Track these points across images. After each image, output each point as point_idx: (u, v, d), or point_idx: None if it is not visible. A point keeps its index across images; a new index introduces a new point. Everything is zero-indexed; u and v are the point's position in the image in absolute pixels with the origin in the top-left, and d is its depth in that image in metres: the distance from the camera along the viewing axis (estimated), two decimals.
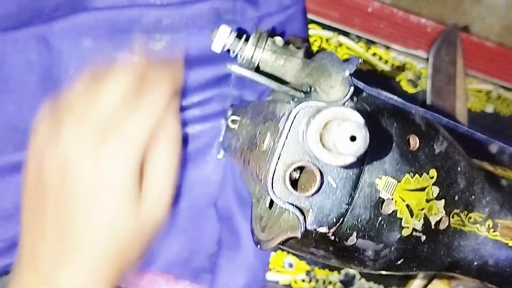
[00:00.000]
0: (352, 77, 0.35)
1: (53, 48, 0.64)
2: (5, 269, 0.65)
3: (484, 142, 0.71)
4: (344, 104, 0.34)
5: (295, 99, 0.37)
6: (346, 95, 0.34)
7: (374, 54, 0.70)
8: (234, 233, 0.67)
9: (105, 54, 0.64)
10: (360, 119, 0.30)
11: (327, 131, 0.30)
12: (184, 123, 0.67)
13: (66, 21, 0.63)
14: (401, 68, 0.71)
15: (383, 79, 0.70)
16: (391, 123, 0.37)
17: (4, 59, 0.62)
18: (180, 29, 0.65)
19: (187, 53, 0.66)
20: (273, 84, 0.37)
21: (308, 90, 0.36)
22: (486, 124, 0.73)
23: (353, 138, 0.28)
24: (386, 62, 0.70)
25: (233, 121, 0.52)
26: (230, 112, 0.60)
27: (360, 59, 0.35)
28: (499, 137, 0.74)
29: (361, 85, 0.36)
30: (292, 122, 0.34)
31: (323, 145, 0.30)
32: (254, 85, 0.60)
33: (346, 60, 0.37)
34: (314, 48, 0.68)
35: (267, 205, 0.43)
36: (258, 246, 0.41)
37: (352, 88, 0.34)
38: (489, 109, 0.73)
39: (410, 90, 0.71)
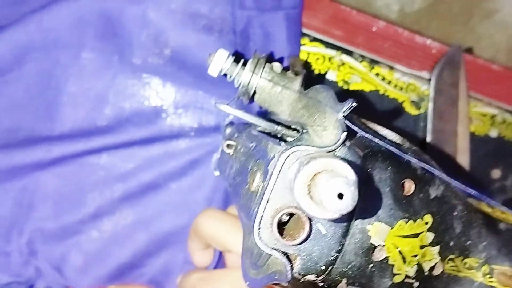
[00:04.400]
0: (346, 120, 0.34)
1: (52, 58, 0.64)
2: None
3: (486, 166, 0.70)
4: (335, 150, 0.33)
5: (287, 139, 0.36)
6: (338, 140, 0.32)
7: (377, 74, 0.69)
8: None
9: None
10: (350, 175, 0.28)
11: (315, 184, 0.28)
12: (181, 136, 0.66)
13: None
14: (405, 90, 0.69)
15: (386, 101, 0.69)
16: (386, 167, 0.35)
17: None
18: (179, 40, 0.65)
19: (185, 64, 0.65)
20: (263, 124, 0.35)
21: (301, 130, 0.35)
22: (490, 149, 0.72)
23: (341, 196, 0.27)
24: (389, 82, 0.69)
25: (228, 146, 0.51)
26: (227, 131, 0.58)
27: (354, 103, 0.34)
28: (502, 162, 0.73)
29: (355, 128, 0.35)
30: (282, 167, 0.33)
31: (311, 197, 0.29)
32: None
33: (341, 94, 0.35)
34: (317, 66, 0.67)
35: None
36: (247, 283, 0.40)
37: (345, 134, 0.32)
38: (493, 133, 0.72)
39: (413, 111, 0.70)
